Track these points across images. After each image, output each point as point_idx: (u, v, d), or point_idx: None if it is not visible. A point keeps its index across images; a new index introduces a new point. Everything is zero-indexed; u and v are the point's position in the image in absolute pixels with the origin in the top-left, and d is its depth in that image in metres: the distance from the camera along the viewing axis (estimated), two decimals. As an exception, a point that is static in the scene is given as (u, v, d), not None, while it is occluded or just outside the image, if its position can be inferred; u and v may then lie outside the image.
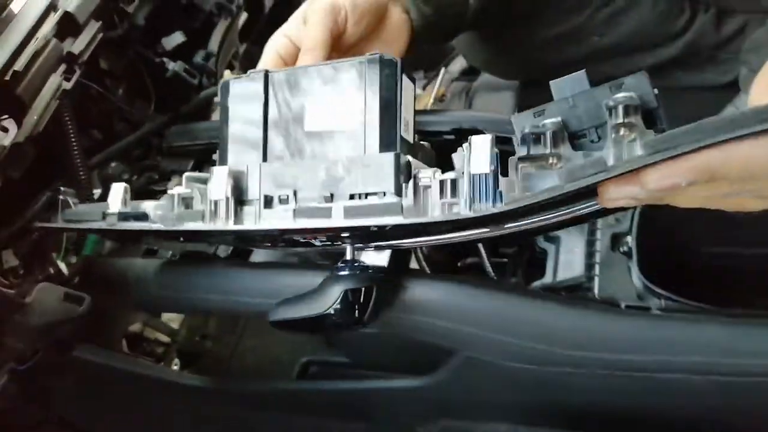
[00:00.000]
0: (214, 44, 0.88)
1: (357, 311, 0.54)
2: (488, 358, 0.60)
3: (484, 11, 0.79)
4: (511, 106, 1.07)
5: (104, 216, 0.59)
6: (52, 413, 0.86)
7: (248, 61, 1.11)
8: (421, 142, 0.56)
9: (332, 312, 0.54)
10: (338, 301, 0.54)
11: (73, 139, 0.68)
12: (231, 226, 0.53)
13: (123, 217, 0.58)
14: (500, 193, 0.45)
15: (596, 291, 0.62)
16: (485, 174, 0.45)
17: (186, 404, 0.84)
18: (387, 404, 0.74)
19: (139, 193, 0.82)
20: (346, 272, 0.55)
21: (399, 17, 0.71)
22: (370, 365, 0.78)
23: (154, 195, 0.83)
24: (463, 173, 0.47)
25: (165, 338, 0.94)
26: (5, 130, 0.62)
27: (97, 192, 0.77)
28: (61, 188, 0.64)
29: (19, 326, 0.56)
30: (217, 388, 0.81)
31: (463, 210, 0.46)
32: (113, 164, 0.81)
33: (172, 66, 0.82)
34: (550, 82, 0.46)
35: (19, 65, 0.56)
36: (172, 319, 0.96)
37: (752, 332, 0.55)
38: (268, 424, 0.83)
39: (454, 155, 0.50)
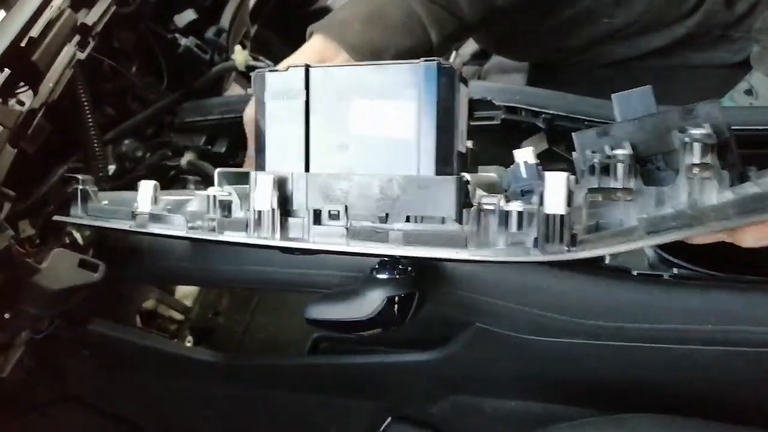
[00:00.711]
0: (225, 21, 0.88)
1: (398, 316, 0.53)
2: (501, 329, 0.60)
3: (446, 40, 0.75)
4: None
5: (134, 215, 0.57)
6: (64, 392, 0.87)
7: (258, 43, 1.11)
8: (470, 145, 0.52)
9: (373, 317, 0.53)
10: (380, 307, 0.52)
11: (87, 112, 0.69)
12: (277, 241, 0.50)
13: (154, 218, 0.56)
14: (574, 235, 0.43)
15: (607, 260, 0.62)
16: (560, 215, 0.43)
17: (199, 379, 0.84)
18: (398, 379, 0.74)
19: (153, 169, 0.83)
20: (386, 275, 0.53)
21: None
22: (379, 341, 0.78)
23: (167, 171, 0.84)
24: (518, 193, 0.45)
25: (178, 315, 0.95)
26: (21, 103, 0.63)
27: (111, 168, 0.79)
28: (80, 177, 0.62)
29: (35, 291, 0.57)
30: (229, 364, 0.82)
31: (533, 251, 0.44)
32: (127, 141, 0.81)
33: (184, 41, 0.83)
34: (613, 96, 0.45)
35: (34, 32, 0.56)
36: (185, 296, 0.97)
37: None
38: (279, 400, 0.83)
39: (509, 171, 0.49)
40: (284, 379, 0.81)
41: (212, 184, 0.57)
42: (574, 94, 0.70)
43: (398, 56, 0.70)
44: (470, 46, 1.33)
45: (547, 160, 0.72)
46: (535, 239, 0.44)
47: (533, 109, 0.68)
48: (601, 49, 0.96)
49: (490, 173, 0.58)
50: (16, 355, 0.70)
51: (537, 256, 0.43)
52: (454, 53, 1.33)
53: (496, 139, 0.72)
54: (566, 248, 0.43)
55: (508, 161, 0.69)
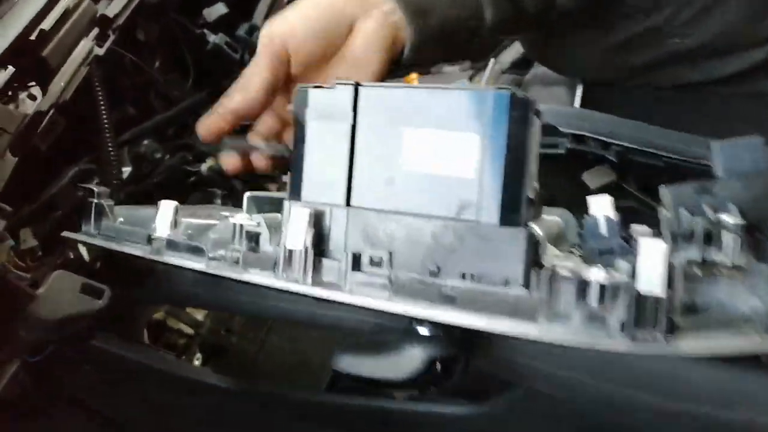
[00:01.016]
0: (258, 18, 0.82)
1: (440, 379, 0.46)
2: (559, 396, 0.52)
3: (500, 24, 0.68)
4: (567, 103, 0.99)
5: (150, 240, 0.51)
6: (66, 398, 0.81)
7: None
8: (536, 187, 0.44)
9: (411, 379, 0.45)
10: (420, 369, 0.45)
11: (103, 111, 0.63)
12: (309, 288, 0.44)
13: (172, 245, 0.50)
14: (671, 321, 0.35)
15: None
16: (657, 298, 0.35)
17: (206, 404, 0.78)
18: (430, 429, 0.67)
19: (172, 172, 0.77)
20: (428, 332, 0.46)
21: (372, 34, 0.60)
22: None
23: (187, 176, 0.78)
24: (596, 252, 0.38)
25: (188, 330, 0.90)
26: (33, 98, 0.56)
27: (126, 170, 0.72)
28: (96, 189, 0.57)
29: (31, 319, 0.50)
30: (240, 390, 0.76)
31: (620, 336, 0.35)
32: (146, 142, 0.75)
33: (213, 38, 0.77)
34: (712, 145, 0.39)
35: (46, 24, 0.49)
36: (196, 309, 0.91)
37: None
38: (291, 427, 0.77)
39: (586, 224, 0.41)
40: (300, 413, 0.75)
41: (237, 197, 0.51)
42: (628, 115, 0.63)
43: (443, 22, 0.62)
44: (510, 54, 1.25)
45: (615, 195, 0.64)
46: (623, 322, 0.35)
47: (603, 139, 0.61)
48: (665, 71, 0.88)
49: (554, 216, 0.51)
50: (10, 371, 0.64)
51: (625, 344, 0.35)
52: (492, 60, 1.25)
53: (555, 168, 0.64)
54: (662, 337, 0.34)
55: (569, 192, 0.60)
